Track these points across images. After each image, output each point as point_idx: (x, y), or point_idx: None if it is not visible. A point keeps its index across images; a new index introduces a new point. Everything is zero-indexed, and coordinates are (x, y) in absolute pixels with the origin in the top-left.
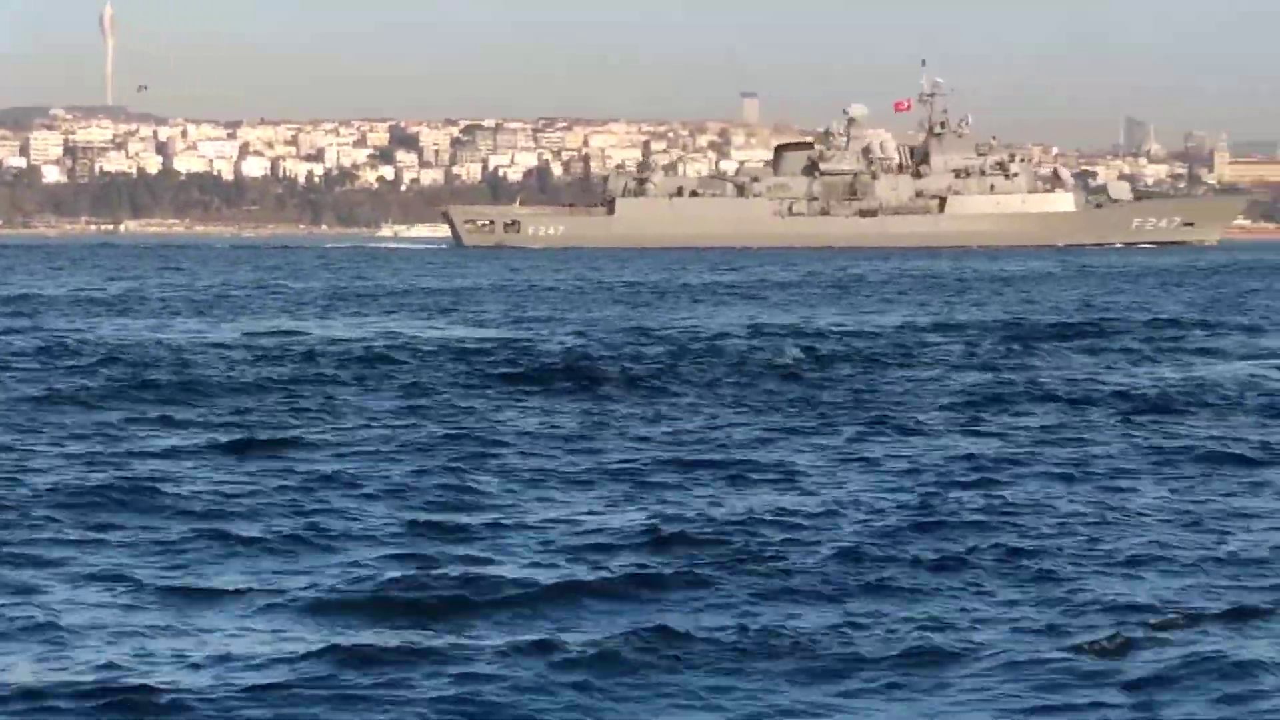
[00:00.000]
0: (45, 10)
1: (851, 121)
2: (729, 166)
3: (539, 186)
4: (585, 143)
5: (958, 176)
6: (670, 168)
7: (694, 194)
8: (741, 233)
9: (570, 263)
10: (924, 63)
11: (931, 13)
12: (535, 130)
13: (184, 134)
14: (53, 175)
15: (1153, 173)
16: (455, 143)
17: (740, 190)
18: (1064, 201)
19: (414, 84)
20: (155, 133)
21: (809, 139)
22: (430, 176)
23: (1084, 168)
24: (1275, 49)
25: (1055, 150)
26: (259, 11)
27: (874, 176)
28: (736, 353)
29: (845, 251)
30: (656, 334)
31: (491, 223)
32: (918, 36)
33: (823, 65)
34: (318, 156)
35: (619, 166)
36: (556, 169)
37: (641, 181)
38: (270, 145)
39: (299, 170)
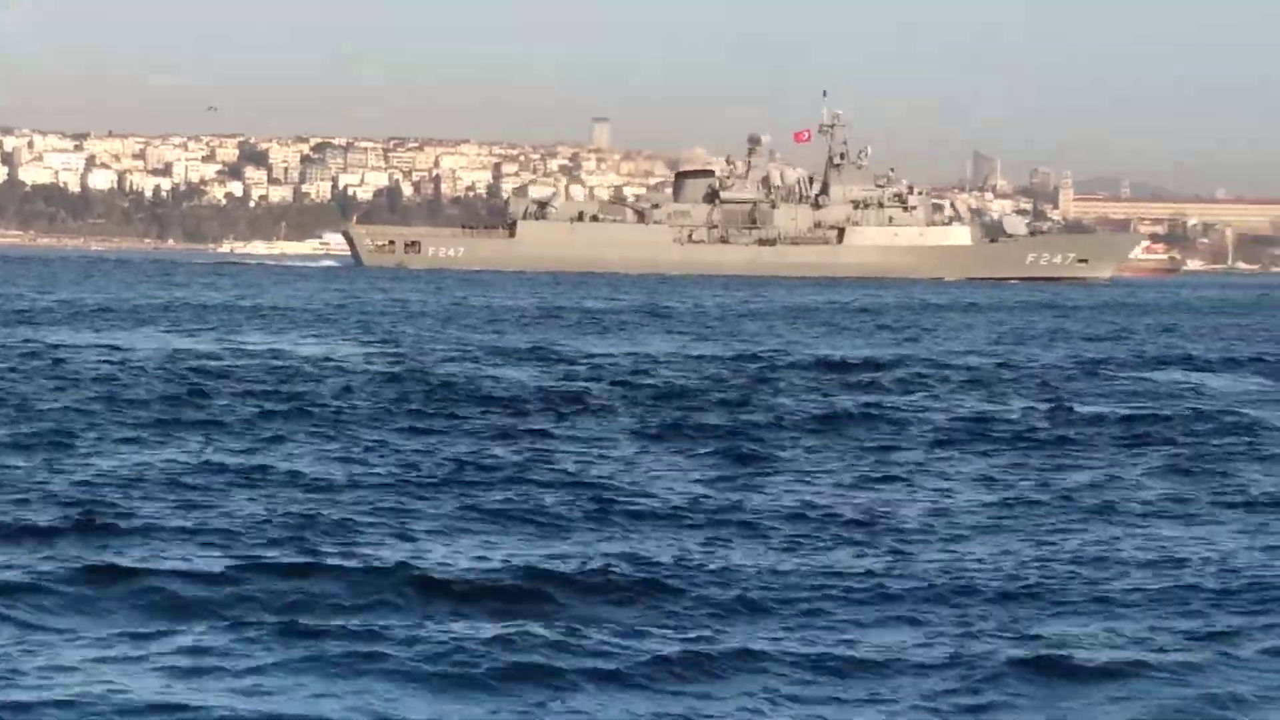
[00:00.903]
0: None
1: (752, 150)
2: (578, 191)
3: (389, 206)
4: (436, 163)
5: (856, 208)
6: (520, 190)
7: (595, 218)
8: (642, 259)
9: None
10: (825, 93)
11: (782, 43)
12: (386, 150)
13: (30, 145)
14: None
15: (999, 208)
16: (305, 160)
17: (641, 216)
18: (960, 235)
19: (264, 100)
20: (0, 142)
21: (710, 166)
22: (279, 194)
23: (934, 201)
24: (1122, 86)
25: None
26: (109, 22)
27: (774, 206)
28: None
29: (743, 279)
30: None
31: (392, 243)
32: (767, 67)
33: (672, 92)
34: (165, 171)
35: (469, 189)
36: (407, 189)
37: (543, 205)
38: (118, 158)
39: (146, 184)
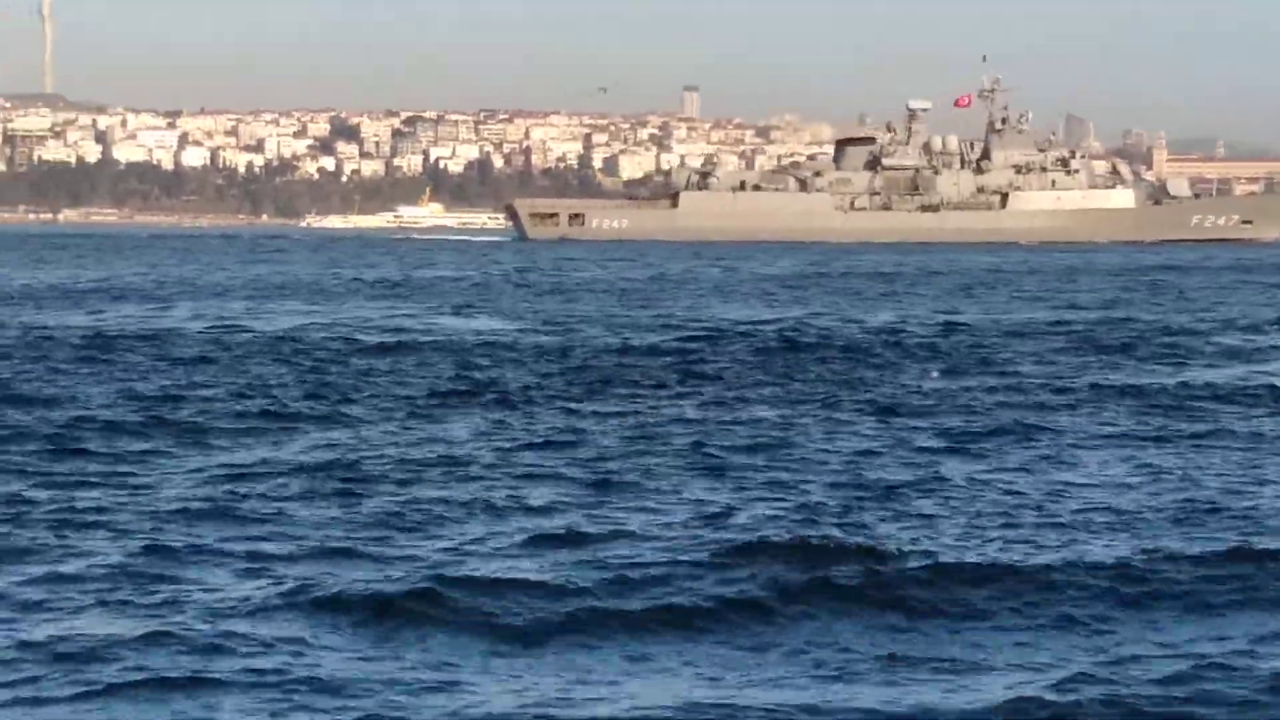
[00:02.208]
0: None
1: (913, 116)
2: (670, 160)
3: (479, 178)
4: (526, 135)
5: (1019, 172)
6: (611, 160)
7: (757, 188)
8: (804, 227)
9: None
10: (985, 59)
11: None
12: (477, 122)
13: (124, 123)
14: None
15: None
16: (396, 134)
17: (803, 185)
18: (1124, 198)
19: (355, 75)
20: (94, 121)
21: (870, 134)
22: (370, 168)
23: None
24: (1216, 50)
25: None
26: (198, 2)
27: (936, 172)
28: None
29: (905, 246)
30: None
31: (555, 215)
32: (853, 39)
33: (763, 60)
34: (258, 147)
35: (559, 159)
36: (498, 161)
37: (705, 175)
38: (210, 135)
39: (239, 160)
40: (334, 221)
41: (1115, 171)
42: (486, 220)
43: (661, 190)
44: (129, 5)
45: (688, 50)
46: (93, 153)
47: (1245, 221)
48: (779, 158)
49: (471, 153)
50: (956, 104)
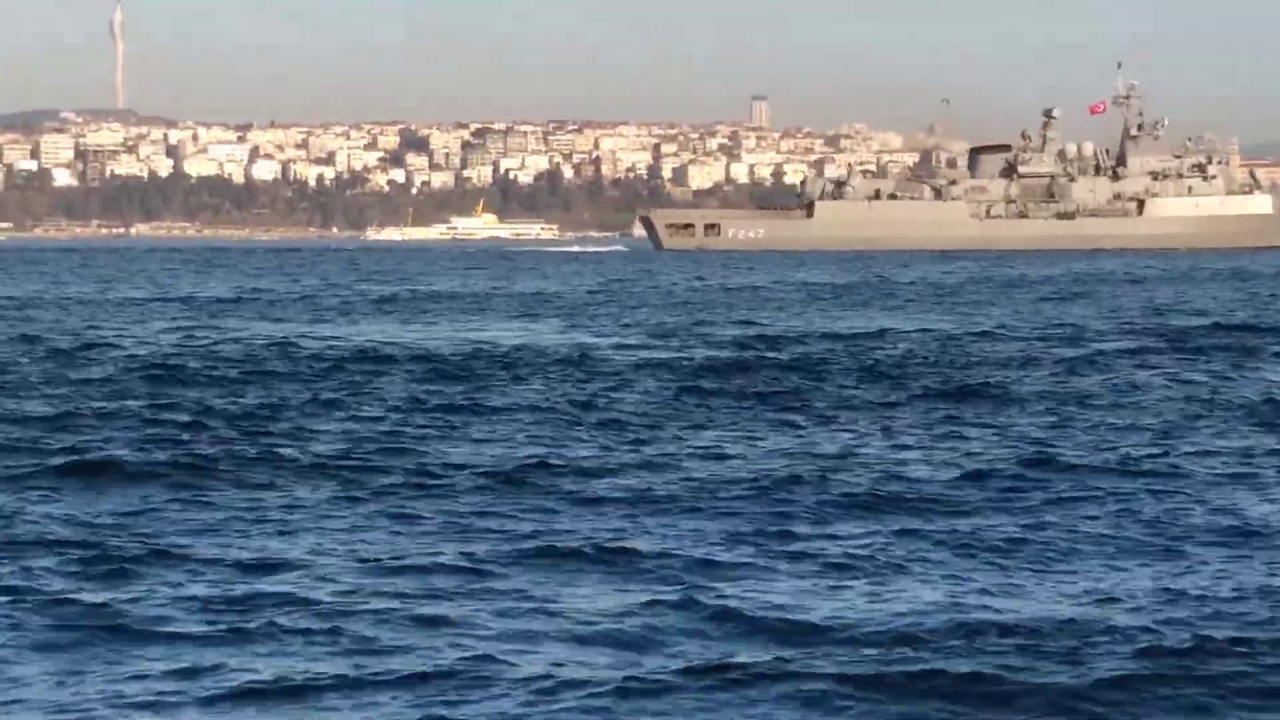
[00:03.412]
0: (55, 13)
1: (1048, 123)
2: (739, 170)
3: (549, 189)
4: (596, 145)
5: (1155, 179)
6: (680, 170)
7: (892, 196)
8: (939, 236)
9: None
10: (1120, 65)
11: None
12: (545, 133)
13: (194, 137)
14: (63, 178)
15: None
16: (466, 146)
17: (938, 193)
18: (1261, 204)
19: (424, 87)
20: (166, 136)
21: (1005, 142)
22: (440, 180)
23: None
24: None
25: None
26: (269, 15)
27: (1071, 179)
28: None
29: (1044, 254)
30: None
31: (691, 226)
32: (927, 46)
33: (832, 71)
34: (328, 160)
35: (629, 170)
36: (567, 172)
37: (839, 184)
38: (280, 148)
39: (309, 173)
40: (390, 234)
41: (1252, 177)
42: (540, 230)
43: (793, 200)
44: (200, 21)
45: (757, 58)
46: (164, 167)
47: None
48: (849, 165)
49: (541, 163)
50: (1092, 110)
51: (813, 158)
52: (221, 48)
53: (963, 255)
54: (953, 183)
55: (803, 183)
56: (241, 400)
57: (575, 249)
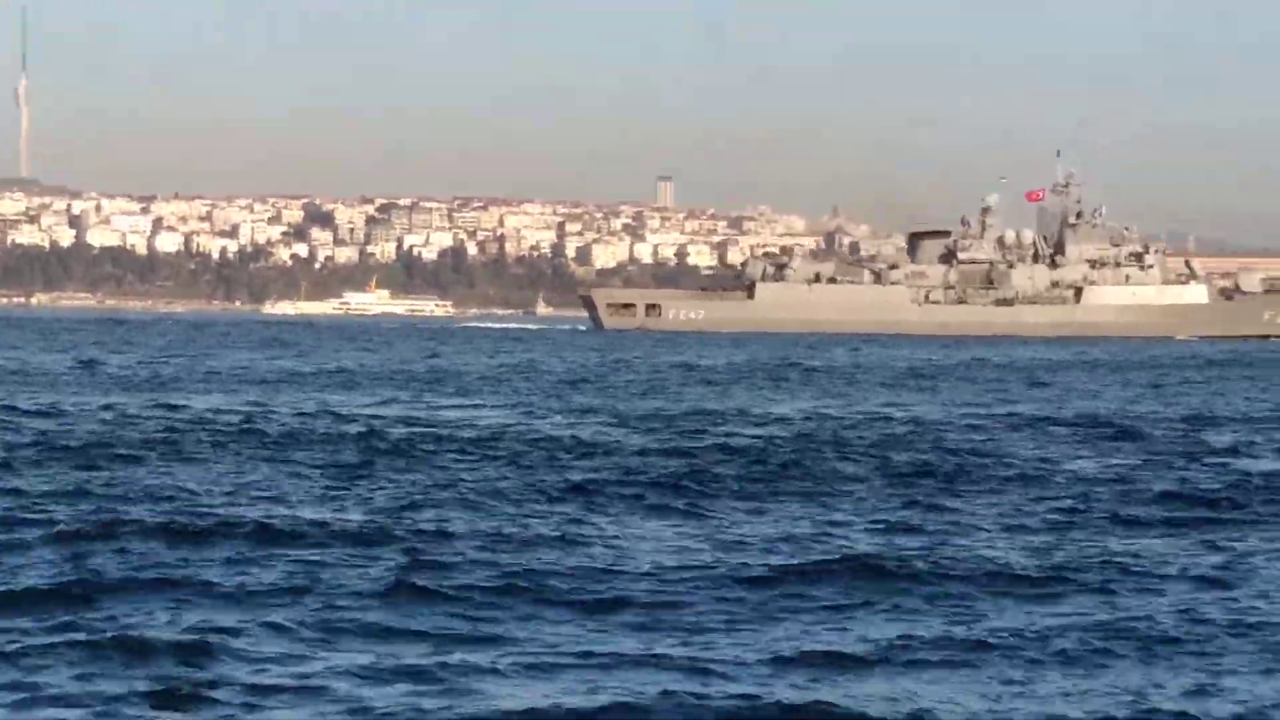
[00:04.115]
0: None
1: (986, 210)
2: (643, 249)
3: (453, 265)
4: (501, 223)
5: (1093, 267)
6: (585, 250)
7: (832, 280)
8: (880, 319)
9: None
10: (1059, 153)
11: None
12: (450, 209)
13: (98, 208)
14: None
15: None
16: (370, 221)
17: (878, 277)
18: (1197, 293)
19: (330, 161)
20: (69, 206)
21: (945, 229)
22: (344, 254)
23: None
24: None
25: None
26: (174, 87)
27: (1010, 265)
28: None
29: (981, 339)
30: None
31: (631, 305)
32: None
33: (736, 148)
34: (231, 233)
35: (533, 247)
36: (472, 248)
37: (780, 267)
38: (184, 220)
39: (213, 246)
40: (285, 308)
41: (1189, 267)
42: (434, 307)
43: (732, 281)
44: (105, 91)
45: (663, 138)
46: (67, 237)
47: None
48: (752, 248)
49: (445, 240)
50: (1029, 198)
51: (716, 239)
52: (126, 118)
53: (903, 340)
54: (893, 267)
55: (744, 264)
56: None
57: (516, 325)
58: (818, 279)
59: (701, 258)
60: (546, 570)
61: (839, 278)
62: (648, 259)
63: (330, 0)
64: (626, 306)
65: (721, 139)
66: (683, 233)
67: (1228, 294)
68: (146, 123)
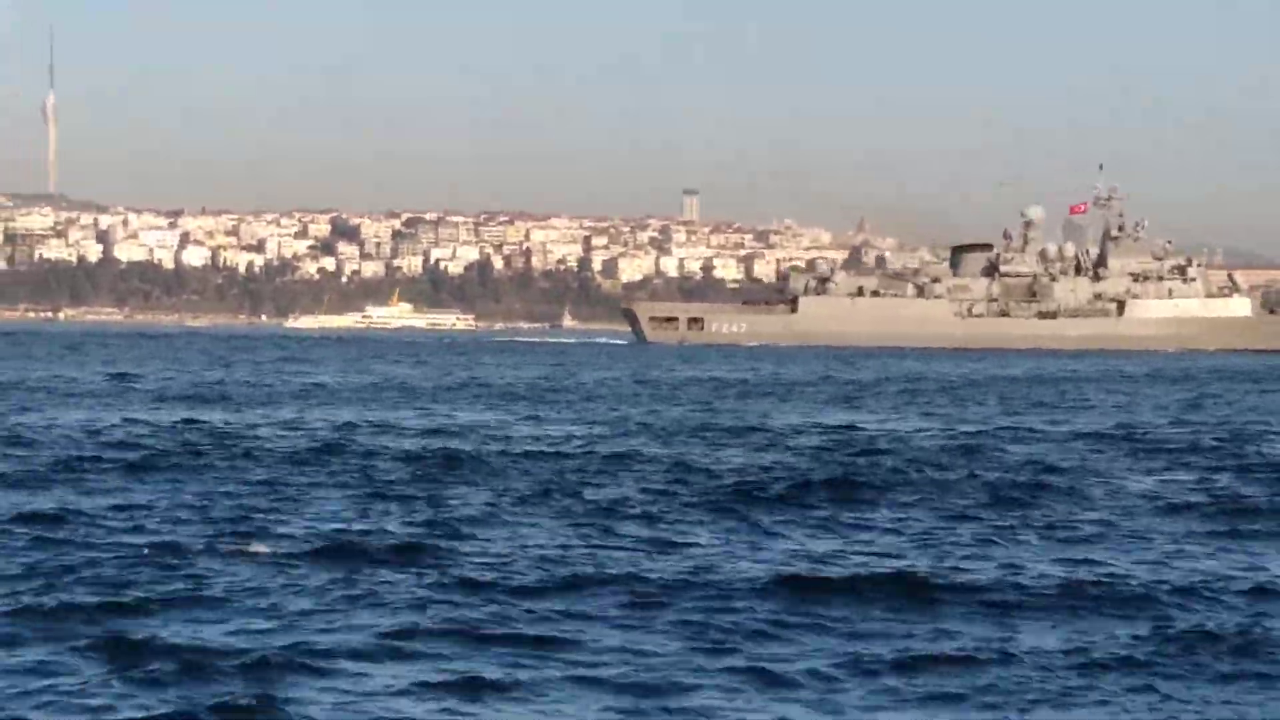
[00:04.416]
0: None
1: (1029, 224)
2: (669, 263)
3: (479, 279)
4: (527, 236)
5: (1136, 280)
6: (610, 263)
7: (875, 293)
8: (922, 333)
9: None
10: (1101, 167)
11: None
12: (477, 224)
13: (125, 223)
14: None
15: None
16: (396, 235)
17: (920, 291)
18: (1241, 306)
19: (356, 175)
20: (96, 221)
21: (987, 241)
22: (371, 269)
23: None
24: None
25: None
26: (202, 101)
27: (1053, 279)
28: None
29: (1024, 353)
30: None
31: (674, 319)
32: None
33: (763, 164)
34: (258, 247)
35: (559, 262)
36: (498, 263)
37: (823, 280)
38: (211, 235)
39: (239, 260)
40: (307, 322)
41: (1231, 280)
42: (456, 321)
43: (774, 295)
44: (132, 106)
45: (689, 154)
46: (94, 252)
47: None
48: (778, 261)
49: (471, 254)
50: (1072, 211)
51: (742, 253)
52: (153, 133)
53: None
54: (935, 280)
55: (786, 277)
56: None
57: (555, 339)
58: (860, 292)
59: (728, 271)
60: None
61: (881, 291)
62: (674, 272)
63: (358, 13)
64: (669, 320)
65: (749, 154)
66: (709, 246)
67: (1271, 307)
68: (173, 138)
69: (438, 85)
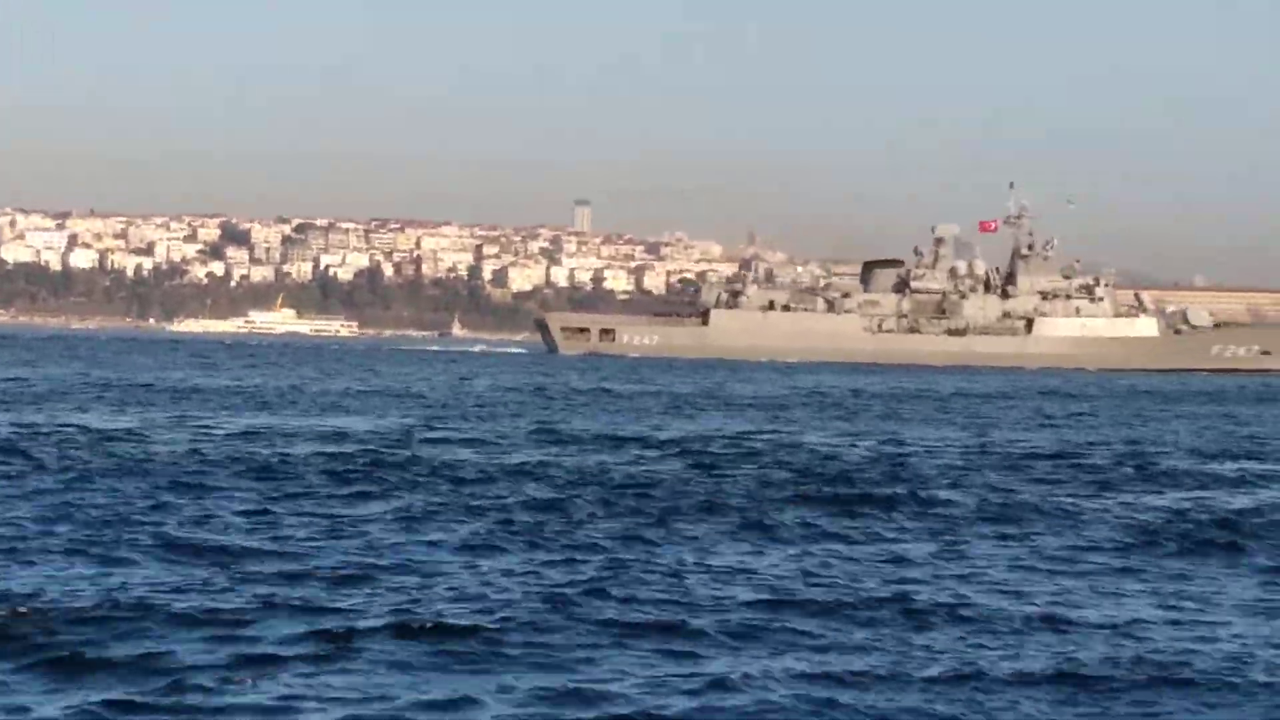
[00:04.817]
0: None
1: (939, 241)
2: (559, 273)
3: (369, 286)
4: (417, 244)
5: (1044, 299)
6: (501, 272)
7: (786, 307)
8: (833, 348)
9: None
10: (1011, 185)
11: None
12: (368, 230)
13: (12, 224)
14: None
15: None
16: (286, 240)
17: (831, 305)
18: (1148, 326)
19: (247, 180)
20: None
21: (898, 258)
22: (260, 274)
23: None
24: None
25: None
26: (91, 101)
27: (963, 296)
28: None
29: (933, 369)
30: None
31: (586, 330)
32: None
33: (654, 176)
34: (147, 250)
35: (450, 270)
36: (388, 270)
37: (735, 294)
38: (99, 237)
39: (128, 263)
40: (190, 326)
41: (1138, 299)
42: (340, 328)
43: (686, 307)
44: (19, 106)
45: (581, 165)
46: None
47: (1265, 352)
48: (668, 273)
49: (362, 261)
50: (982, 228)
51: (633, 264)
52: (41, 134)
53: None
54: (846, 295)
55: (697, 290)
56: None
57: (478, 349)
58: (772, 306)
59: (618, 282)
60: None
61: (793, 305)
62: (564, 282)
63: (249, 21)
64: (581, 331)
65: (641, 166)
66: (599, 257)
67: (1175, 328)
68: (62, 138)
69: (329, 91)
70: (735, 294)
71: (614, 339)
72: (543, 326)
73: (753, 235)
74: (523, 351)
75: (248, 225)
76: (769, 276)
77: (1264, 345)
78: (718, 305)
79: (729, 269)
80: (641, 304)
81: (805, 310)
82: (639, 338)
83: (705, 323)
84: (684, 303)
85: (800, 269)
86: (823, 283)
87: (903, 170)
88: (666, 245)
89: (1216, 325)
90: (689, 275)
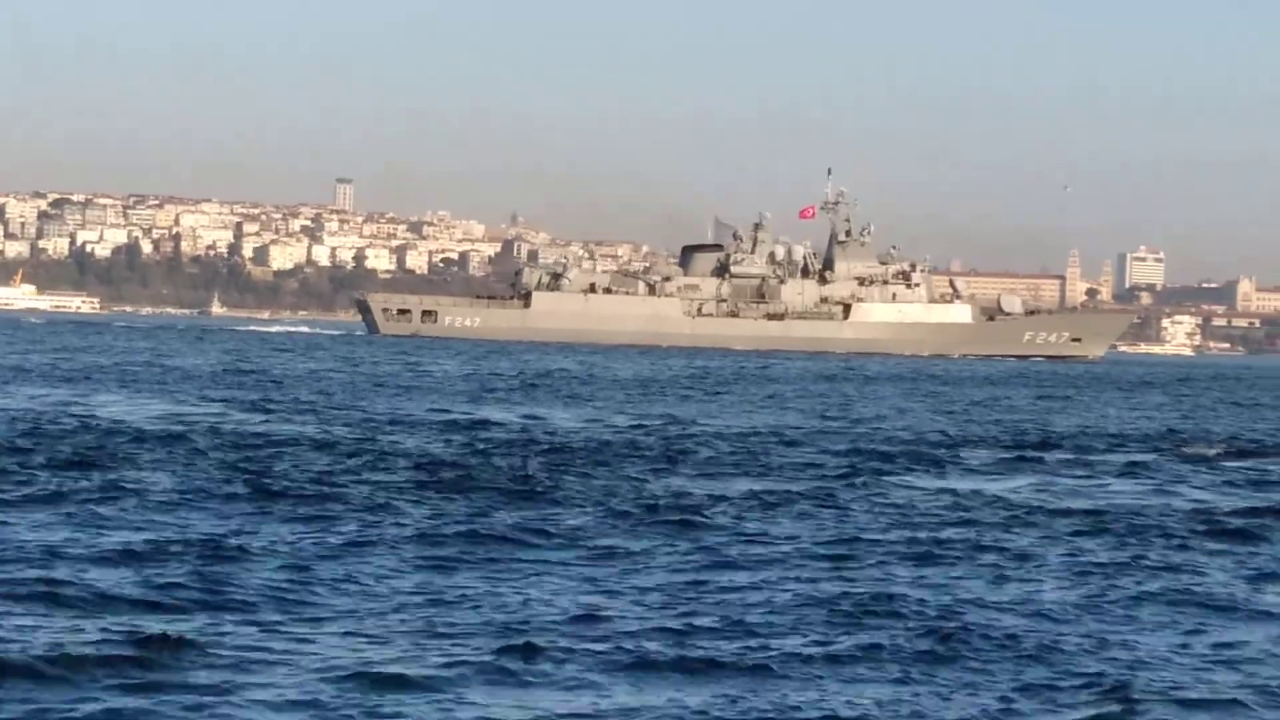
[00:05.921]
0: None
1: (758, 226)
2: (321, 252)
3: (127, 263)
4: (177, 221)
5: (862, 284)
6: (262, 249)
7: (608, 290)
8: (654, 331)
9: None
10: (830, 171)
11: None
12: (125, 206)
13: None
14: None
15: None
16: (42, 215)
17: (651, 289)
18: (961, 313)
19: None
20: None
21: (717, 243)
22: (15, 249)
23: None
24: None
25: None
26: None
27: (781, 281)
28: None
29: (752, 353)
30: None
31: (408, 311)
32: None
33: (419, 154)
34: None
35: (210, 247)
36: (146, 246)
37: (556, 276)
38: None
39: None
40: None
41: (953, 287)
42: (80, 304)
43: (508, 289)
44: None
45: (341, 142)
46: None
47: (1075, 339)
48: (430, 253)
49: (120, 237)
50: (801, 215)
51: (395, 243)
52: None
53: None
54: (667, 279)
55: (519, 271)
56: None
57: (280, 329)
58: (593, 289)
59: (380, 261)
60: None
61: (614, 288)
62: (326, 261)
63: None
64: (403, 312)
65: (403, 144)
66: (361, 236)
67: (990, 314)
68: None
69: (96, 61)
70: (557, 276)
71: (435, 320)
72: (364, 307)
73: (515, 216)
74: (339, 333)
75: (2, 200)
76: (532, 257)
77: (1074, 332)
78: (539, 288)
79: (492, 249)
80: (404, 284)
81: (626, 294)
82: (461, 320)
83: (527, 305)
84: (506, 285)
85: (564, 251)
86: (642, 267)
87: (708, 153)
88: (429, 224)
89: (1029, 313)
90: (451, 255)
